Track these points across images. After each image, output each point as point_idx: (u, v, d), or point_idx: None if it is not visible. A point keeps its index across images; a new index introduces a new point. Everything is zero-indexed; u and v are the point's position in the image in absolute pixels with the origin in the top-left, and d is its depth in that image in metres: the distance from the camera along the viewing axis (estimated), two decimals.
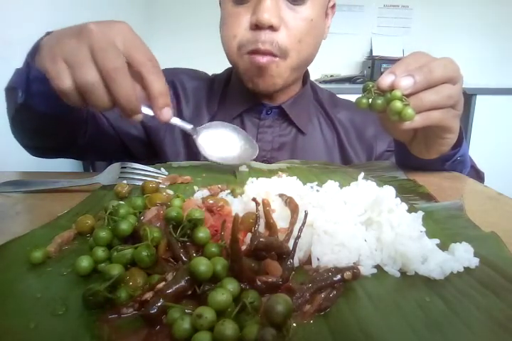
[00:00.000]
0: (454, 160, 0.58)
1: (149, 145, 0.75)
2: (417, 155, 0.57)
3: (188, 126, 0.53)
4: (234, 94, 0.75)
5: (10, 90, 0.55)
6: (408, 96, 0.44)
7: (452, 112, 0.47)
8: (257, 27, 0.60)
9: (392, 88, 0.44)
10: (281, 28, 0.61)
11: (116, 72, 0.40)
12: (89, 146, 0.69)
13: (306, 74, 0.78)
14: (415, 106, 0.44)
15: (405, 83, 0.43)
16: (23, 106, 0.52)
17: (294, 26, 0.62)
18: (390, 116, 0.45)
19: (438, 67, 0.44)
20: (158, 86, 0.43)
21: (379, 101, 0.45)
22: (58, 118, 0.55)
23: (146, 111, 0.46)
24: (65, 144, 0.66)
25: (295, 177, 0.44)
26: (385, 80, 0.44)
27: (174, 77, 0.77)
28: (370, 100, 0.46)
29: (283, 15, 0.61)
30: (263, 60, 0.62)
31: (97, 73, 0.40)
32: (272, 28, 0.60)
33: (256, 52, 0.62)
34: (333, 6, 0.72)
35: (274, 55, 0.62)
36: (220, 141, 0.57)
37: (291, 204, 0.35)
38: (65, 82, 0.41)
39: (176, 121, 0.51)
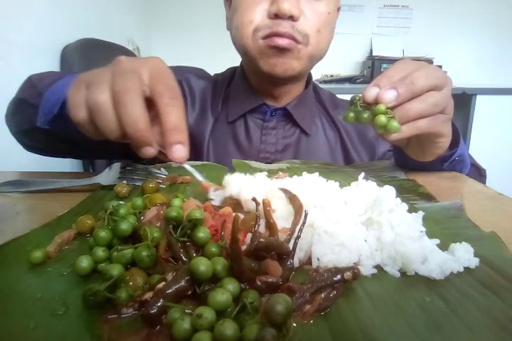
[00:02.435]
0: (452, 161, 0.59)
1: None
2: (414, 158, 0.57)
3: (200, 178, 0.45)
4: (237, 95, 0.75)
5: (24, 104, 0.54)
6: (394, 108, 0.44)
7: (441, 118, 0.47)
8: (276, 16, 0.60)
9: (377, 101, 0.44)
10: (300, 18, 0.61)
11: (126, 92, 0.36)
12: (92, 148, 0.68)
13: (309, 75, 0.78)
14: (401, 117, 0.44)
15: (388, 96, 0.43)
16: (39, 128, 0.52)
17: (313, 18, 0.63)
18: (376, 129, 0.45)
19: (420, 77, 0.44)
20: (174, 119, 0.37)
21: (365, 115, 0.45)
22: (74, 138, 0.54)
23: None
24: (69, 149, 0.65)
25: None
26: (370, 94, 0.44)
27: (181, 76, 0.76)
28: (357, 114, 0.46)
29: (302, 7, 0.61)
30: (283, 41, 0.61)
31: (109, 94, 0.37)
32: (291, 18, 0.60)
33: (274, 34, 0.61)
34: (339, 9, 0.72)
35: (296, 41, 0.61)
36: None
37: (295, 203, 0.35)
38: (80, 111, 0.39)
39: (190, 167, 0.43)
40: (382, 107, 0.43)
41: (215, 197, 0.43)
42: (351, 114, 0.46)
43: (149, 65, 0.39)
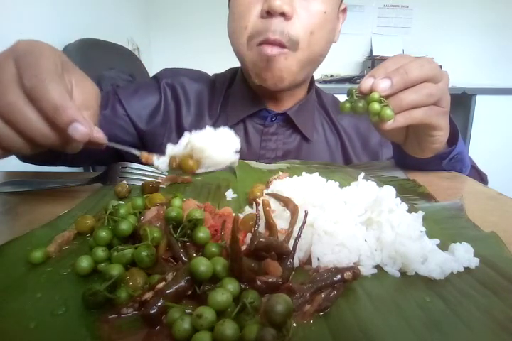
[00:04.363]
0: (451, 158, 0.58)
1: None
2: (412, 154, 0.57)
3: (137, 152, 0.44)
4: (237, 98, 0.73)
5: None
6: (389, 97, 0.45)
7: (435, 110, 0.47)
8: (268, 14, 0.59)
9: (372, 91, 0.45)
10: (293, 17, 0.60)
11: (9, 107, 0.33)
12: (80, 154, 0.67)
13: (312, 80, 0.77)
14: (395, 106, 0.45)
15: (383, 85, 0.44)
16: None
17: (307, 17, 0.61)
18: (371, 117, 0.46)
19: (414, 67, 0.44)
20: (50, 102, 0.33)
21: (360, 105, 0.46)
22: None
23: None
24: (50, 156, 0.64)
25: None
26: (365, 84, 0.45)
27: (174, 80, 0.75)
28: (353, 103, 0.47)
29: (295, 6, 0.60)
30: (272, 51, 0.59)
31: None
32: (283, 15, 0.59)
33: (265, 42, 0.60)
34: (344, 10, 0.71)
35: (284, 46, 0.60)
36: None
37: (289, 204, 0.35)
38: None
39: (117, 145, 0.42)
40: (376, 95, 0.44)
41: (161, 163, 0.44)
42: (347, 104, 0.47)
43: (11, 53, 0.36)
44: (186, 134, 0.44)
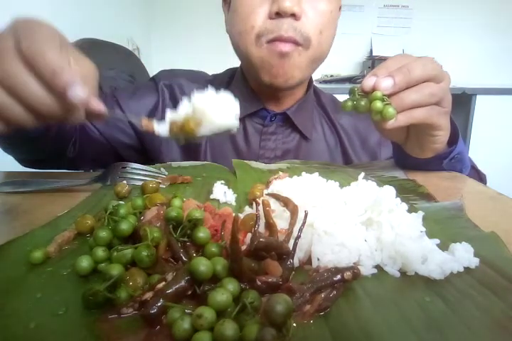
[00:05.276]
0: (452, 158, 0.59)
1: (144, 153, 0.73)
2: (412, 154, 0.57)
3: (137, 120, 0.43)
4: (235, 98, 0.73)
5: None
6: (391, 96, 0.45)
7: (437, 109, 0.47)
8: (277, 15, 0.59)
9: (374, 90, 0.45)
10: (302, 18, 0.60)
11: (6, 75, 0.33)
12: (81, 157, 0.67)
13: (310, 79, 0.77)
14: (397, 106, 0.45)
15: (385, 84, 0.44)
16: None
17: (315, 17, 0.61)
18: (373, 116, 0.46)
19: (417, 66, 0.45)
20: (48, 66, 0.33)
21: (362, 103, 0.46)
22: (28, 137, 0.53)
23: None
24: (53, 157, 0.64)
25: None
26: (367, 82, 0.45)
27: (172, 81, 0.76)
28: (355, 102, 0.47)
29: (303, 6, 0.60)
30: (285, 47, 0.60)
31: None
32: (293, 16, 0.59)
33: (277, 39, 0.60)
34: (339, 8, 0.72)
35: (297, 44, 0.61)
36: None
37: (289, 204, 0.35)
38: None
39: (120, 113, 0.40)
40: (378, 94, 0.44)
41: (162, 129, 0.43)
42: (349, 103, 0.47)
43: (10, 28, 0.36)
44: (185, 100, 0.43)
